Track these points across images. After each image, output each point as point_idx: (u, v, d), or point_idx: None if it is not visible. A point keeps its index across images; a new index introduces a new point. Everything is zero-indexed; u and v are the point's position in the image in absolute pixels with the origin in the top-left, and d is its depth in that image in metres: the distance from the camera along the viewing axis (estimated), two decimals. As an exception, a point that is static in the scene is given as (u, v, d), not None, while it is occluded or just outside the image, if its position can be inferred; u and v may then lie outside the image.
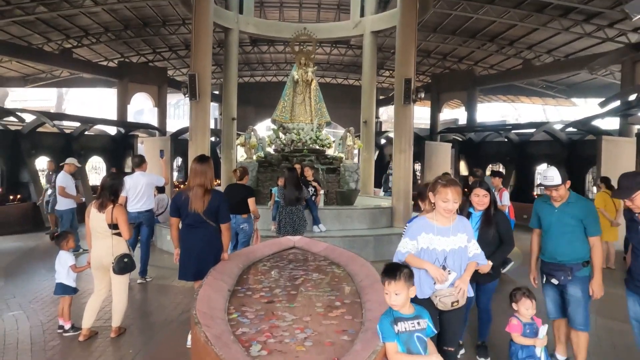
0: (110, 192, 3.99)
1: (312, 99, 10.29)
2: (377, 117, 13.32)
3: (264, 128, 24.14)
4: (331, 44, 17.64)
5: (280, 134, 10.01)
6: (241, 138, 9.27)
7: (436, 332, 2.36)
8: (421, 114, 28.18)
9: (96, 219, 3.96)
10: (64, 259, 4.23)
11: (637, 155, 10.42)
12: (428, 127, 22.82)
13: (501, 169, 17.08)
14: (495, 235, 3.53)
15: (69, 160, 7.94)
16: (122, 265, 3.97)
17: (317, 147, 9.86)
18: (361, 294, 3.27)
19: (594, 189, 11.41)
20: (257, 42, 17.88)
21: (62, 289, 4.17)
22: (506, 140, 15.06)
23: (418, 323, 2.18)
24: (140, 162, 6.22)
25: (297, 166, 7.72)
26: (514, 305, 3.01)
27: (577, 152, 12.89)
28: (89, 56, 16.31)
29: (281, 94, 10.49)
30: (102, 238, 3.99)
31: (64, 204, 7.55)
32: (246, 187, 5.74)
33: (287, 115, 10.21)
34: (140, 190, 6.05)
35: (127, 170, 15.38)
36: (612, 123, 12.72)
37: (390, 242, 7.60)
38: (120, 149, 15.49)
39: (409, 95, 8.34)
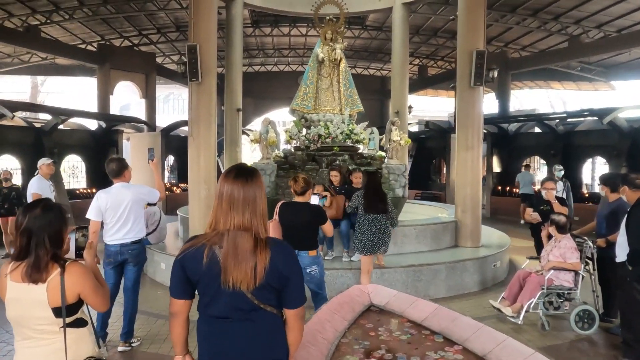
0: (47, 239, 1.87)
1: (341, 84, 8.16)
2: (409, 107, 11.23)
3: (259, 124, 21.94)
4: (346, 25, 15.44)
5: (303, 128, 7.90)
6: (255, 133, 7.14)
7: None
8: (439, 106, 26.24)
9: (24, 300, 1.85)
10: None
11: None
12: (447, 119, 21.01)
13: (537, 163, 15.25)
14: None
15: (44, 160, 6.00)
16: None
17: (350, 143, 7.77)
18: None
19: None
20: (259, 23, 15.63)
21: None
22: (548, 131, 13.14)
23: None
24: (120, 169, 3.98)
25: (335, 174, 5.64)
26: None
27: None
28: (63, 37, 13.87)
29: (293, 83, 8.32)
30: (40, 338, 1.89)
31: None
32: (314, 207, 3.77)
33: (309, 104, 8.07)
34: (123, 212, 3.91)
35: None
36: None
37: (464, 269, 5.64)
38: (102, 146, 13.22)
39: (480, 74, 6.28)
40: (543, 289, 4.37)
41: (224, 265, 1.61)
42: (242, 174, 1.70)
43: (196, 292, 1.73)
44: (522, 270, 4.77)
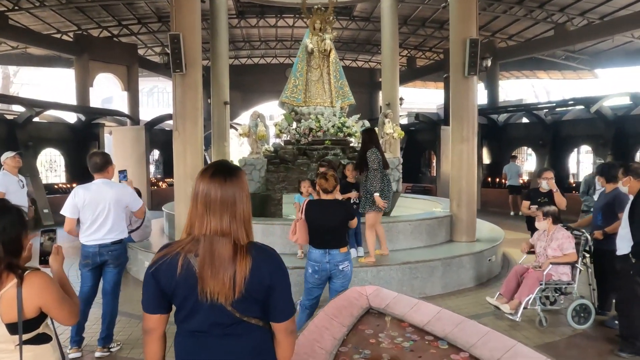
0: (1, 246, 1.64)
1: (332, 75, 7.94)
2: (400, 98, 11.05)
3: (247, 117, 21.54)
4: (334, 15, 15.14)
5: (294, 122, 7.66)
6: (244, 127, 6.89)
7: None
8: (428, 98, 26.17)
9: None
10: None
11: None
12: (435, 110, 20.94)
13: (524, 154, 15.30)
14: None
15: (8, 154, 5.30)
16: None
17: (342, 136, 7.58)
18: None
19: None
20: (244, 14, 15.22)
21: None
22: (536, 121, 13.15)
23: None
24: (103, 165, 3.74)
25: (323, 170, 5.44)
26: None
27: (624, 129, 11.00)
28: (34, 26, 13.19)
29: (281, 75, 8.07)
30: None
31: None
32: (343, 203, 3.80)
33: (299, 96, 7.84)
34: (103, 210, 3.66)
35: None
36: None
37: (460, 265, 5.54)
38: (82, 139, 12.77)
39: (475, 63, 6.12)
40: (542, 284, 4.28)
41: (200, 275, 1.41)
42: (220, 172, 1.49)
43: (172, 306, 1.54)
44: (519, 266, 4.67)
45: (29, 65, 17.41)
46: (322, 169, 5.41)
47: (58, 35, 13.93)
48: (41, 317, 1.73)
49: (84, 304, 3.67)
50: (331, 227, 3.56)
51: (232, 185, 1.47)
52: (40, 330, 1.75)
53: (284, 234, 5.44)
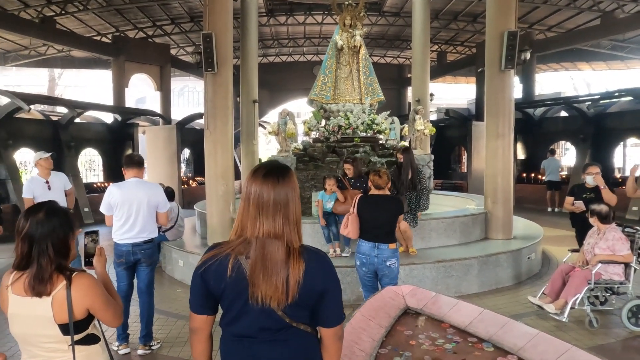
0: (51, 247, 1.67)
1: (361, 72, 7.85)
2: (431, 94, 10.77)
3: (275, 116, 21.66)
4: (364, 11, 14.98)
5: (322, 119, 7.62)
6: (273, 125, 6.90)
7: None
8: (458, 93, 25.54)
9: (28, 316, 1.67)
10: None
11: None
12: (466, 106, 20.35)
13: (562, 149, 14.61)
14: None
15: (41, 154, 4.96)
16: None
17: (372, 133, 7.48)
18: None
19: None
20: (274, 12, 15.29)
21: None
22: (576, 114, 12.54)
23: None
24: (141, 162, 3.88)
25: (348, 167, 5.40)
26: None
27: None
28: (78, 29, 13.79)
29: (308, 73, 8.05)
30: (48, 357, 1.71)
31: None
32: (395, 199, 3.82)
33: (328, 94, 7.79)
34: (136, 209, 3.73)
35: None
36: None
37: (497, 263, 5.35)
38: (118, 139, 13.24)
39: (512, 56, 5.87)
40: (590, 283, 4.05)
41: (251, 278, 1.38)
42: (273, 172, 1.45)
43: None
44: (565, 265, 4.45)
45: (72, 67, 18.18)
46: (347, 165, 5.39)
47: (98, 38, 14.49)
48: (89, 318, 1.77)
49: (124, 301, 3.76)
50: (382, 222, 3.64)
51: (285, 186, 1.44)
52: (89, 331, 1.78)
53: (313, 233, 5.42)
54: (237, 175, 11.04)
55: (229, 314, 1.46)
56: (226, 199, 6.03)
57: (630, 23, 12.16)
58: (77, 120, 12.03)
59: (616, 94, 11.04)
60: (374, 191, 3.74)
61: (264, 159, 11.93)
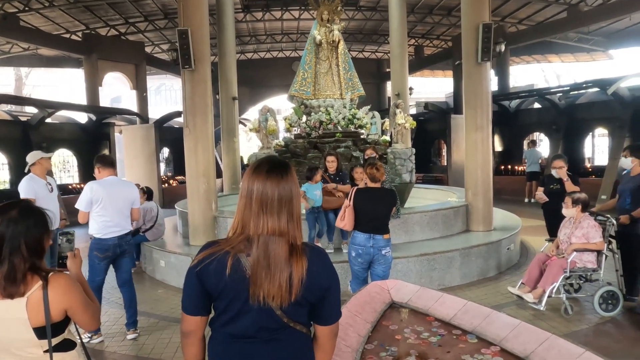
0: (25, 246, 1.59)
1: (341, 67, 7.83)
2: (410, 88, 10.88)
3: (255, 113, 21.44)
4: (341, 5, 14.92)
5: (304, 115, 7.58)
6: (254, 122, 6.82)
7: None
8: (435, 87, 25.81)
9: (0, 319, 1.59)
10: None
11: None
12: (444, 99, 20.61)
13: (539, 139, 14.99)
14: None
15: (40, 153, 4.67)
16: None
17: (353, 128, 7.49)
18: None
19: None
20: (250, 8, 15.09)
21: None
22: (549, 106, 12.87)
23: None
24: (114, 161, 4.11)
25: (332, 160, 5.44)
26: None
27: None
28: (44, 26, 13.24)
29: (288, 70, 7.99)
30: None
31: None
32: (390, 191, 3.95)
33: (309, 89, 7.74)
34: (120, 205, 3.90)
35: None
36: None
37: (479, 255, 5.45)
38: (93, 139, 12.87)
39: (488, 49, 5.97)
40: (566, 272, 4.18)
41: (253, 276, 1.34)
42: (276, 168, 1.41)
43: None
44: (542, 254, 4.57)
45: (40, 66, 17.51)
46: (330, 158, 5.42)
47: (67, 35, 13.98)
48: (65, 321, 1.70)
49: (97, 294, 3.86)
50: (379, 214, 3.73)
51: (288, 182, 1.40)
52: (65, 335, 1.71)
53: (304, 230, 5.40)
54: (219, 174, 10.90)
55: (226, 314, 1.41)
56: (208, 197, 5.95)
57: (593, 16, 12.59)
58: (49, 120, 11.62)
59: (584, 85, 11.37)
60: (370, 184, 3.81)
61: (245, 157, 11.79)
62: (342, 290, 4.00)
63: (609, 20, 13.19)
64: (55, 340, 1.65)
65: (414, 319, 2.83)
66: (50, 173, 5.63)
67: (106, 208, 3.78)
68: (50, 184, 4.70)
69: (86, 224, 3.89)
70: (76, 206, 3.80)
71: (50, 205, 4.32)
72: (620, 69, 29.25)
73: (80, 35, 13.92)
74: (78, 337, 1.81)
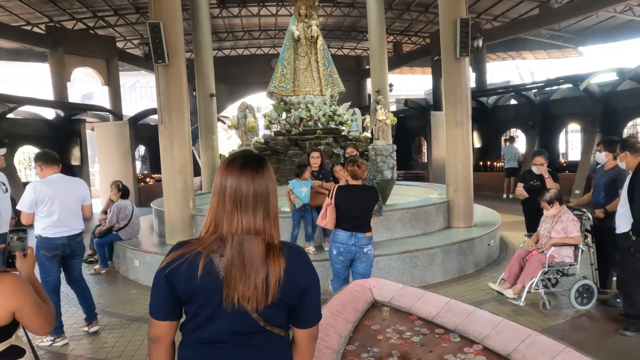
0: None
1: (320, 63, 7.75)
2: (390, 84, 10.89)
3: (234, 110, 21.10)
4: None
5: (283, 112, 7.45)
6: (232, 119, 6.66)
7: None
8: (415, 84, 26.02)
9: None
10: None
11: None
12: (423, 96, 20.82)
13: (516, 135, 15.28)
14: None
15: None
16: None
17: (334, 125, 7.41)
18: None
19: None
20: (226, 3, 14.78)
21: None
22: (525, 102, 13.13)
23: None
24: (57, 160, 3.82)
25: (317, 156, 5.35)
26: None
27: (612, 105, 10.99)
28: (1, 17, 12.42)
29: (266, 66, 7.86)
30: None
31: None
32: (372, 188, 3.91)
33: (288, 85, 7.63)
34: (68, 204, 3.74)
35: (75, 162, 12.37)
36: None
37: (460, 251, 5.46)
38: (62, 136, 12.34)
39: (466, 44, 5.98)
40: (544, 267, 4.21)
41: (226, 278, 1.24)
42: (251, 163, 1.31)
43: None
44: (522, 250, 4.60)
45: (0, 59, 16.64)
46: (314, 154, 5.33)
47: (28, 28, 13.30)
48: (12, 325, 1.53)
49: (55, 294, 3.72)
50: (361, 212, 3.66)
51: (264, 177, 1.31)
52: (13, 341, 1.55)
53: (286, 230, 5.26)
54: (197, 172, 10.64)
55: (197, 318, 1.31)
56: (185, 195, 5.77)
57: (563, 12, 12.93)
58: (11, 115, 11.06)
59: (559, 81, 11.64)
60: (351, 181, 3.74)
61: (225, 154, 11.57)
62: (323, 289, 3.95)
63: (577, 17, 13.58)
64: (0, 347, 1.50)
65: (396, 318, 2.77)
66: (6, 170, 5.10)
67: (53, 208, 3.60)
68: (4, 184, 4.20)
69: (32, 225, 3.67)
70: (18, 207, 3.60)
71: (4, 207, 3.97)
72: (590, 66, 30.19)
73: (43, 28, 13.25)
74: (28, 343, 1.64)
